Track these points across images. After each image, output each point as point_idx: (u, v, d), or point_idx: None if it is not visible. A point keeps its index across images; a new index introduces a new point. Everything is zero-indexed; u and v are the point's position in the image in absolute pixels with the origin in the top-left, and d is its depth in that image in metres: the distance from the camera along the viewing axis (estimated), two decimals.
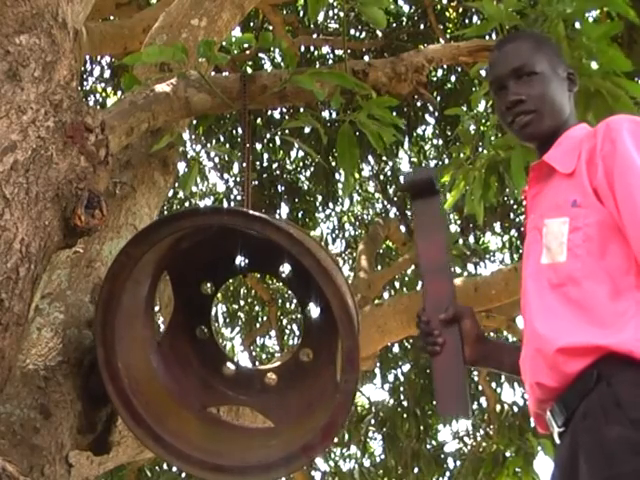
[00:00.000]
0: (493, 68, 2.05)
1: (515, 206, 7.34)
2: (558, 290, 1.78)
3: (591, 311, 1.71)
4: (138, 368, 2.50)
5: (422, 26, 7.46)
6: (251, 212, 2.32)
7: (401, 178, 7.99)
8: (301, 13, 7.59)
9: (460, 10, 7.30)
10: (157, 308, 5.59)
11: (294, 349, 2.88)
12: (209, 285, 2.75)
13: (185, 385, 2.61)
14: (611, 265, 1.73)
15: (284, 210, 7.98)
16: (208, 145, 7.50)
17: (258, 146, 7.77)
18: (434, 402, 2.01)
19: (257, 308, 8.67)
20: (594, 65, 3.08)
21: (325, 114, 6.30)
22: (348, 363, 2.25)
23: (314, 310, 2.66)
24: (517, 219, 7.55)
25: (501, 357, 2.03)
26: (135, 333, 2.51)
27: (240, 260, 2.74)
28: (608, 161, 1.76)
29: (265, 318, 8.56)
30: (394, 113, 3.19)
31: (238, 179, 7.88)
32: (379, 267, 7.84)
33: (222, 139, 7.55)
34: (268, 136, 7.73)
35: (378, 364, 7.59)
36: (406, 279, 7.88)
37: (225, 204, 7.98)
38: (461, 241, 7.37)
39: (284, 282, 2.99)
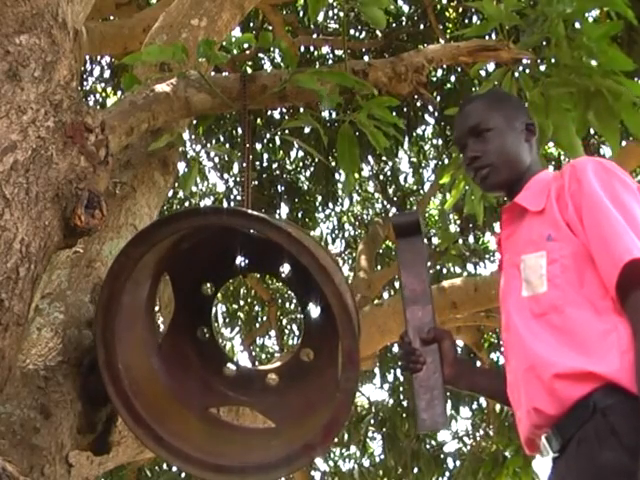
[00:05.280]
0: (455, 129, 2.21)
1: None
2: (541, 319, 1.86)
3: (575, 335, 1.79)
4: (138, 369, 2.49)
5: (422, 26, 7.46)
6: (251, 212, 2.32)
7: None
8: (301, 13, 7.59)
9: (460, 10, 7.30)
10: (157, 308, 5.58)
11: (295, 349, 2.88)
12: (209, 286, 2.75)
13: (186, 386, 2.61)
14: (589, 292, 1.82)
15: (284, 210, 7.99)
16: (208, 145, 7.49)
17: (258, 146, 7.76)
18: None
19: (257, 308, 8.67)
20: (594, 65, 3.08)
21: (325, 114, 6.29)
22: (348, 362, 2.25)
23: (314, 310, 2.66)
24: None
25: (478, 380, 2.14)
26: (135, 334, 2.51)
27: (240, 260, 2.74)
28: (576, 198, 1.89)
29: (265, 318, 8.56)
30: (394, 113, 3.19)
31: (238, 179, 7.87)
32: (379, 267, 7.83)
33: (222, 139, 7.54)
34: (268, 136, 7.73)
35: (378, 364, 7.59)
36: None
37: (225, 204, 7.98)
38: (461, 241, 7.37)
39: (284, 282, 2.99)
